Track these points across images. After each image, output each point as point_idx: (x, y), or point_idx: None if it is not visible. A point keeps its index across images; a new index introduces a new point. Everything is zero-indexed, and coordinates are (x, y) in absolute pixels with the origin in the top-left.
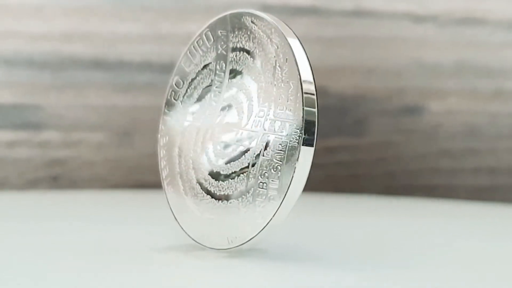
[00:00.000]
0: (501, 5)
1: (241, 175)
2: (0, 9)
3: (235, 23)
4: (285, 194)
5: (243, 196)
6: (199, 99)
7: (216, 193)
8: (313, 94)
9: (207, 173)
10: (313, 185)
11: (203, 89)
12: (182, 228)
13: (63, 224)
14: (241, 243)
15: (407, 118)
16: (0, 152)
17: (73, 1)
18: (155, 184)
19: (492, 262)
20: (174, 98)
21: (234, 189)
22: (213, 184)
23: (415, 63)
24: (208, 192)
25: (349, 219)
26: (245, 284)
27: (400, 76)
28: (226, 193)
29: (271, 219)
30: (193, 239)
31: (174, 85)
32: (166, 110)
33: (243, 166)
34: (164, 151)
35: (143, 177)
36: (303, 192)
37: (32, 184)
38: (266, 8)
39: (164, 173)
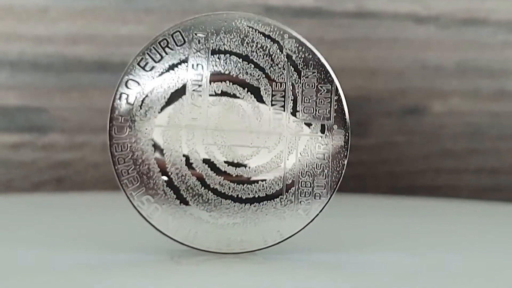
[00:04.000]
0: (503, 6)
1: (275, 176)
2: (5, 11)
3: (221, 26)
4: (334, 190)
5: (281, 196)
6: (168, 101)
7: (242, 197)
8: (344, 97)
9: (223, 177)
10: None
11: (172, 91)
12: (175, 240)
13: (68, 226)
14: (280, 240)
15: (410, 118)
16: (5, 154)
17: (77, 4)
18: None
19: (495, 261)
20: (127, 102)
21: (267, 191)
22: (235, 188)
23: (417, 64)
24: (229, 197)
25: (352, 219)
26: (251, 285)
27: (403, 77)
28: (256, 196)
29: (317, 215)
30: (197, 248)
31: (126, 87)
32: (116, 115)
33: (275, 167)
34: (124, 160)
35: None
36: None
37: (37, 186)
38: (269, 10)
39: (131, 185)
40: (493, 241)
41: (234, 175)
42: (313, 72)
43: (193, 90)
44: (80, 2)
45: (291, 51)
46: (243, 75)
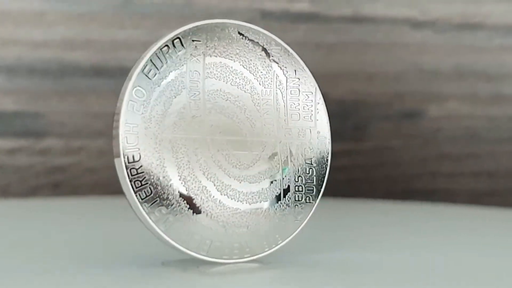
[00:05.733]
0: (499, 10)
1: (273, 182)
2: (2, 16)
3: (215, 33)
4: (321, 193)
5: (278, 202)
6: (171, 109)
7: (249, 204)
8: (324, 103)
9: (232, 186)
10: None
11: (174, 98)
12: (186, 251)
13: (64, 231)
14: (279, 244)
15: (407, 122)
16: (2, 159)
17: (74, 9)
18: None
19: (492, 266)
20: (135, 109)
21: (269, 196)
22: (242, 195)
23: (414, 68)
24: (237, 205)
25: (349, 223)
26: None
27: (400, 81)
28: (260, 202)
29: (308, 217)
30: (207, 258)
31: (135, 95)
32: (126, 123)
33: (272, 173)
34: (135, 171)
35: None
36: None
37: (34, 191)
38: (266, 15)
39: (141, 195)
40: (490, 246)
41: (240, 182)
42: (298, 79)
43: (192, 98)
44: (77, 7)
45: (277, 58)
46: (234, 83)
